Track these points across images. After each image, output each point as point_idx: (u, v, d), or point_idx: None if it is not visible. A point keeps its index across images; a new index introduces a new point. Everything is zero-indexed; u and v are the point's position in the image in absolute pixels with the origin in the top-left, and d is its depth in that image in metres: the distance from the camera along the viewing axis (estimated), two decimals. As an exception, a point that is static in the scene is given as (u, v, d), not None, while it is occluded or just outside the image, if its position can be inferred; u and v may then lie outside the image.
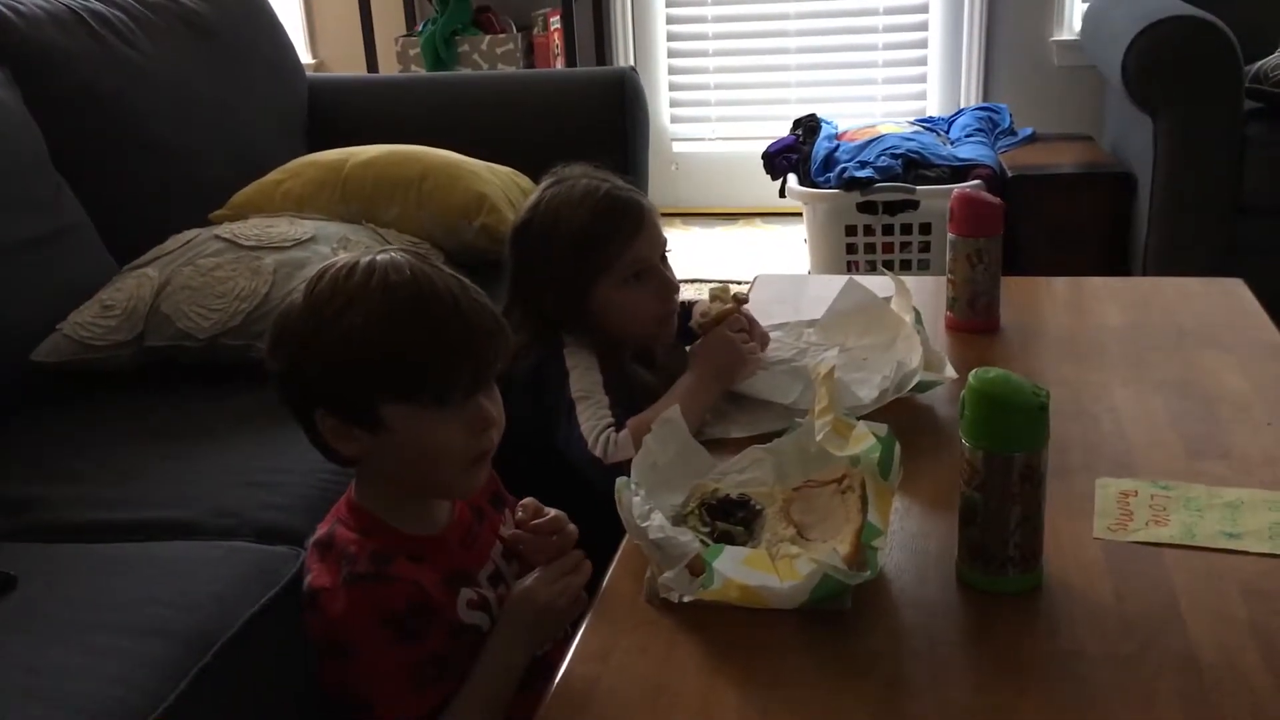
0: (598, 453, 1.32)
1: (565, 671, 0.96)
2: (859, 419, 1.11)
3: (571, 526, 1.18)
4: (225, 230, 1.71)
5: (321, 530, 1.13)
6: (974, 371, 0.99)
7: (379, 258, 1.06)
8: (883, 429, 1.05)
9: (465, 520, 1.17)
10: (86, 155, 1.81)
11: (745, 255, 3.52)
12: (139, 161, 1.88)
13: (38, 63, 1.80)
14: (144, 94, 1.93)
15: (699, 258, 3.47)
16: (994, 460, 0.98)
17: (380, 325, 1.02)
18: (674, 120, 3.96)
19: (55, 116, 1.77)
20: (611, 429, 1.34)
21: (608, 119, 2.24)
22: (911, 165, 2.85)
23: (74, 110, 1.82)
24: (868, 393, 1.32)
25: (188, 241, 1.70)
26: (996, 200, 1.55)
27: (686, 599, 1.00)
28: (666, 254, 1.47)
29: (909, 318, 1.43)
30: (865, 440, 1.03)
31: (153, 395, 1.56)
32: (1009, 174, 2.84)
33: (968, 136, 3.07)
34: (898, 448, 1.04)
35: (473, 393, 1.06)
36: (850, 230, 2.88)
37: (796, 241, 3.45)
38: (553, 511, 1.19)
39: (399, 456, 1.07)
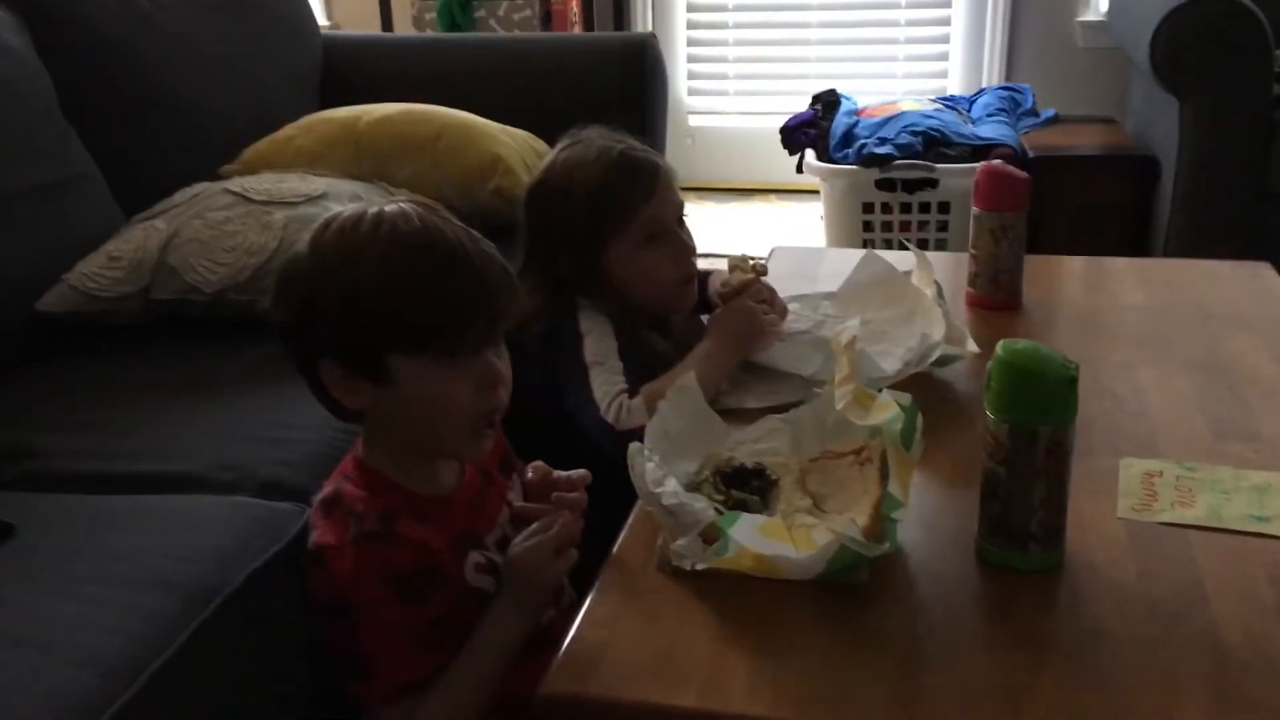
0: (610, 418, 1.30)
1: (573, 636, 0.93)
2: (879, 390, 1.09)
3: (577, 494, 1.14)
4: (235, 184, 1.69)
5: (327, 488, 1.11)
6: (1002, 342, 0.97)
7: (387, 208, 1.03)
8: (906, 399, 1.02)
9: (474, 483, 1.15)
10: (96, 105, 1.79)
11: (761, 231, 3.48)
12: (149, 113, 1.86)
13: (50, 10, 1.77)
14: (156, 45, 1.90)
15: (714, 232, 3.43)
16: (1019, 433, 0.95)
17: (389, 276, 1.00)
18: (691, 93, 3.92)
19: (66, 65, 1.74)
20: (625, 395, 1.32)
21: (627, 85, 2.20)
22: (932, 143, 2.82)
23: (85, 59, 1.79)
24: (890, 364, 1.30)
25: (197, 194, 1.67)
26: (1022, 174, 1.52)
27: (699, 567, 0.98)
28: (684, 217, 1.44)
29: (930, 291, 1.41)
30: (889, 410, 1.01)
31: (158, 348, 1.54)
32: (1030, 155, 2.80)
33: (989, 116, 3.03)
34: (920, 418, 1.01)
35: (482, 348, 1.04)
36: (868, 207, 2.84)
37: (813, 218, 3.42)
38: (577, 473, 1.15)
39: (405, 411, 1.04)
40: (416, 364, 1.02)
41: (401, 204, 1.05)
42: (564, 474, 1.16)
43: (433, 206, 1.08)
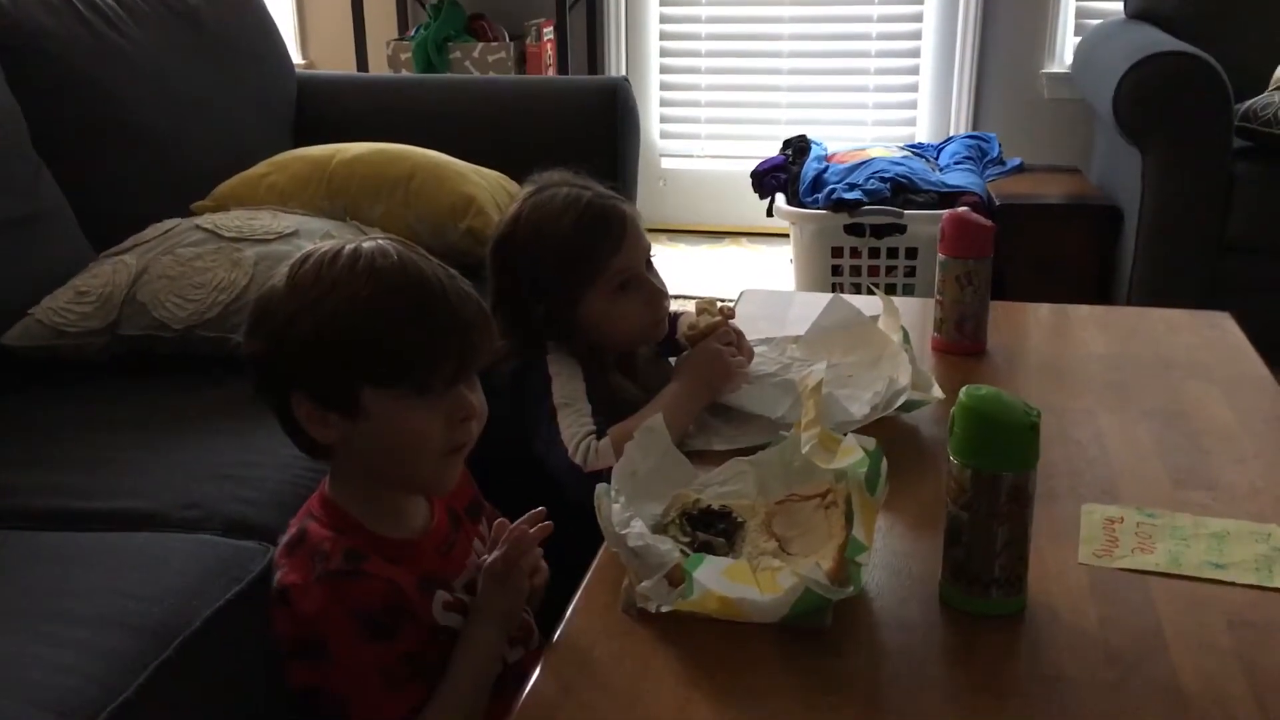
0: (578, 460, 1.30)
1: (537, 680, 0.93)
2: (845, 434, 1.10)
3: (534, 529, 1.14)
4: (206, 221, 1.69)
5: (292, 528, 1.10)
6: (965, 388, 0.98)
7: (365, 244, 1.04)
8: (871, 443, 1.03)
9: (443, 528, 1.14)
10: (68, 140, 1.78)
11: (731, 274, 3.51)
12: (121, 148, 1.85)
13: (23, 45, 1.77)
14: (129, 81, 1.90)
15: (684, 275, 3.45)
16: (982, 478, 0.96)
17: (366, 310, 1.01)
18: (663, 136, 3.96)
19: (38, 99, 1.74)
20: (592, 437, 1.32)
21: (600, 127, 2.22)
22: (900, 189, 2.85)
23: (57, 94, 1.79)
24: (858, 408, 1.31)
25: (167, 230, 1.67)
26: (988, 222, 1.54)
27: (664, 609, 0.98)
28: (651, 259, 1.45)
29: (896, 337, 1.42)
30: (853, 454, 1.01)
31: (124, 384, 1.53)
32: (996, 202, 2.84)
33: (956, 163, 3.08)
34: (885, 463, 1.02)
35: (455, 383, 1.04)
36: (836, 252, 2.87)
37: (782, 262, 3.44)
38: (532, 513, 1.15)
39: (376, 445, 1.04)
40: (388, 397, 1.02)
41: (379, 240, 1.06)
42: (519, 522, 1.15)
43: (410, 245, 1.09)
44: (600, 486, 1.05)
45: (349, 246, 1.04)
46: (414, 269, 1.03)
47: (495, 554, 1.11)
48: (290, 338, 1.02)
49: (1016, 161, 3.17)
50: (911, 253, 2.84)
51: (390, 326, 1.01)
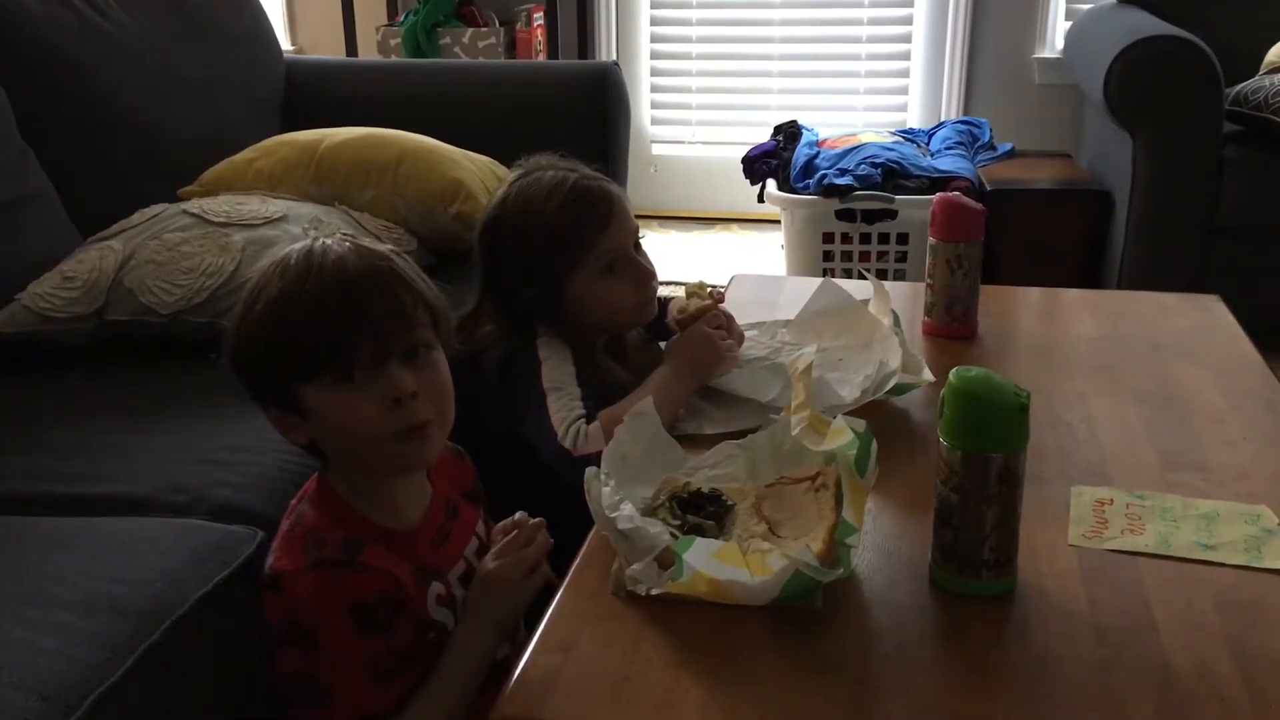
0: (567, 444, 1.29)
1: (526, 662, 0.93)
2: (835, 417, 1.09)
3: (541, 535, 1.15)
4: (194, 206, 1.68)
5: (289, 514, 1.09)
6: (955, 370, 0.98)
7: (296, 246, 1.05)
8: (861, 425, 1.03)
9: (438, 519, 1.13)
10: (55, 125, 1.78)
11: (722, 260, 3.50)
12: (108, 133, 1.84)
13: (9, 29, 1.76)
14: (116, 65, 1.89)
15: (676, 261, 3.44)
16: (972, 460, 0.96)
17: (274, 309, 1.02)
18: (654, 123, 3.95)
19: (24, 83, 1.73)
20: (582, 420, 1.31)
21: (590, 112, 2.21)
22: (891, 175, 2.85)
23: (43, 78, 1.78)
24: (848, 392, 1.30)
25: (154, 215, 1.66)
26: (978, 206, 1.54)
27: (654, 592, 0.98)
28: (640, 240, 1.45)
29: (887, 320, 1.42)
30: (843, 436, 1.01)
31: (111, 370, 1.53)
32: (987, 188, 2.84)
33: (947, 149, 3.07)
34: (875, 445, 1.02)
35: (381, 363, 1.02)
36: (828, 237, 2.87)
37: (773, 248, 3.44)
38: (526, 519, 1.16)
39: (329, 439, 1.05)
40: (317, 390, 1.02)
41: (312, 240, 1.06)
42: (519, 532, 1.15)
43: (355, 237, 1.09)
44: (590, 470, 1.05)
45: (281, 254, 1.05)
46: (318, 258, 1.02)
47: (501, 560, 1.11)
48: (240, 355, 1.05)
49: (1007, 147, 3.17)
50: (902, 238, 2.84)
51: (295, 321, 1.01)
